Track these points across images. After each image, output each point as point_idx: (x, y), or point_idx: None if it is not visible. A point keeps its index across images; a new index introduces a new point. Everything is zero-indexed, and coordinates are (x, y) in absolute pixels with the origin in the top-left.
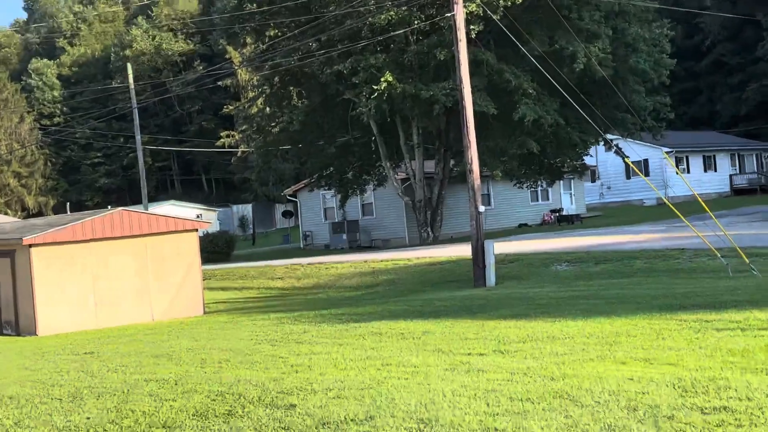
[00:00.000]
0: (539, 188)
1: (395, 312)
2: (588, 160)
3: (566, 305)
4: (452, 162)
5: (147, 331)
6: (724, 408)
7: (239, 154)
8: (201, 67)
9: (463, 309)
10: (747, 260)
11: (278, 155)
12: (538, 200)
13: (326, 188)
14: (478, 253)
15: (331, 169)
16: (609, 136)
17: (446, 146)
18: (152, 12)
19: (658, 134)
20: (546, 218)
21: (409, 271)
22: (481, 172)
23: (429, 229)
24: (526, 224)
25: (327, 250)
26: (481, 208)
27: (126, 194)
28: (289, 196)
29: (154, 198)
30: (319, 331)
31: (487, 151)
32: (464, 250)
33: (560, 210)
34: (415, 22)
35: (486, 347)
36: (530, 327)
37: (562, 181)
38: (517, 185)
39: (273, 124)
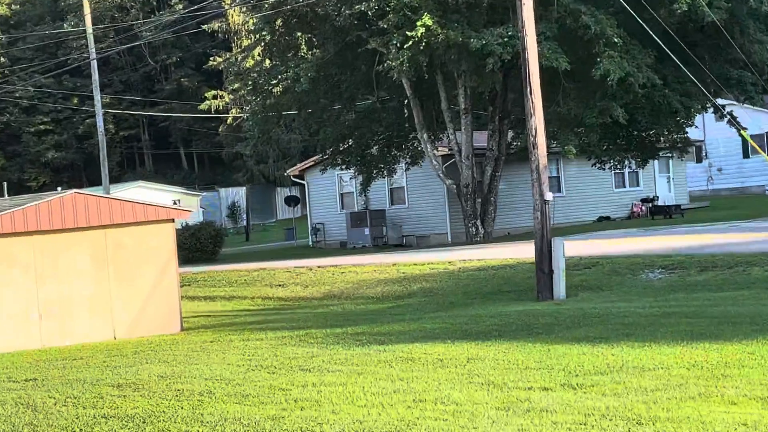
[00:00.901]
0: (626, 170)
1: (432, 331)
2: (692, 134)
3: (660, 325)
4: (510, 134)
5: (107, 353)
6: None
7: (229, 121)
8: (180, 6)
9: (522, 329)
10: None
11: (281, 123)
12: (624, 186)
13: (343, 167)
14: (544, 254)
15: (350, 142)
16: (720, 102)
17: (502, 113)
18: None
19: None
20: (635, 210)
21: (451, 278)
22: (548, 147)
23: (478, 223)
24: (607, 218)
25: (343, 249)
26: (549, 196)
27: (81, 172)
28: (295, 177)
29: (118, 178)
30: (332, 355)
31: (558, 120)
32: (524, 251)
33: (654, 199)
34: None
35: (552, 380)
36: (611, 354)
37: (657, 161)
38: (597, 166)
39: (274, 81)
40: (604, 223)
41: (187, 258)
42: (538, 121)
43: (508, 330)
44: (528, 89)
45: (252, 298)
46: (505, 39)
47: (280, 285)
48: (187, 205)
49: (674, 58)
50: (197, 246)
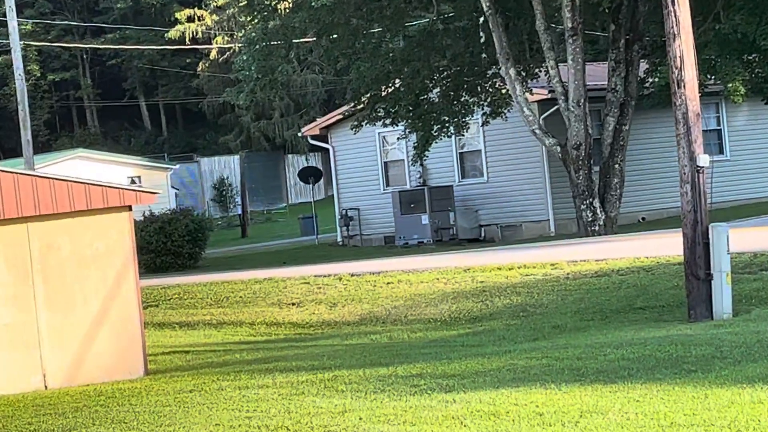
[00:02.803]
0: None
1: (526, 371)
2: None
3: None
4: (644, 67)
5: (34, 412)
6: None
7: (213, 55)
8: None
9: (666, 364)
10: None
11: (291, 57)
12: None
13: (388, 122)
14: (697, 251)
15: (398, 83)
16: None
17: (631, 34)
18: None
19: None
20: None
21: (555, 289)
22: (703, 86)
23: (596, 204)
24: None
25: (390, 246)
26: (704, 160)
27: None
28: (314, 139)
29: (46, 145)
30: (373, 409)
31: (717, 44)
32: (668, 246)
33: None
34: None
35: None
36: None
37: None
38: None
39: None
40: None
41: (153, 264)
42: (685, 45)
43: (644, 367)
44: None
45: (251, 323)
46: None
47: (293, 304)
48: (153, 184)
49: None
50: (168, 247)
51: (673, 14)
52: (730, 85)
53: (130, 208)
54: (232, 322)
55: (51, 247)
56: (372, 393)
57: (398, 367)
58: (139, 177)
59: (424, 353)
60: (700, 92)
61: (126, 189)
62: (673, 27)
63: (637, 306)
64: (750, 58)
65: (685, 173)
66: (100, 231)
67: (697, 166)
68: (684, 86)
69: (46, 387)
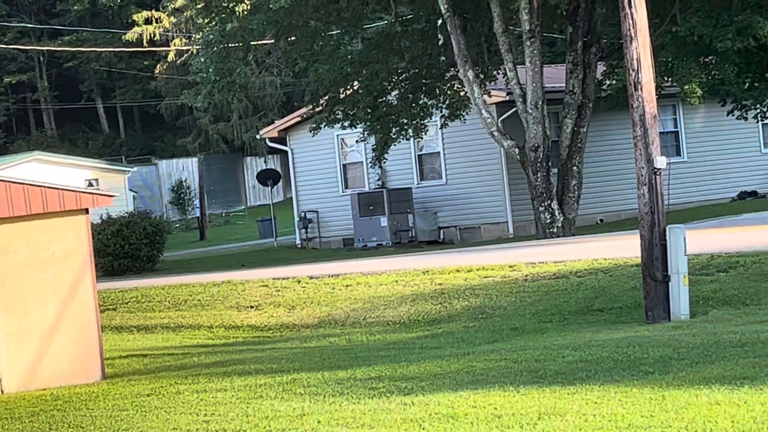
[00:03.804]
0: None
1: (485, 373)
2: None
3: None
4: (601, 69)
5: None
6: None
7: (171, 57)
8: None
9: (624, 366)
10: None
11: (249, 59)
12: None
13: (347, 124)
14: (655, 252)
15: (356, 85)
16: None
17: (588, 36)
18: None
19: None
20: None
21: (513, 290)
22: (660, 87)
23: (554, 206)
24: (753, 193)
25: (349, 249)
26: (661, 162)
27: None
28: (272, 141)
29: (2, 148)
30: (332, 412)
31: (674, 46)
32: (626, 248)
33: None
34: None
35: None
36: (759, 403)
37: None
38: (736, 114)
39: None
40: (748, 202)
41: (110, 268)
42: (642, 47)
43: (602, 368)
44: None
45: (210, 327)
46: None
47: (252, 307)
48: (110, 186)
49: None
50: (125, 250)
51: (629, 17)
52: (686, 86)
53: (87, 211)
54: (190, 326)
55: (7, 251)
56: (330, 396)
57: (357, 370)
58: (96, 180)
59: (383, 356)
60: (657, 94)
61: (82, 192)
62: (629, 29)
63: (595, 308)
64: (707, 60)
65: (642, 175)
66: (56, 234)
67: (654, 168)
68: (641, 88)
69: (2, 391)
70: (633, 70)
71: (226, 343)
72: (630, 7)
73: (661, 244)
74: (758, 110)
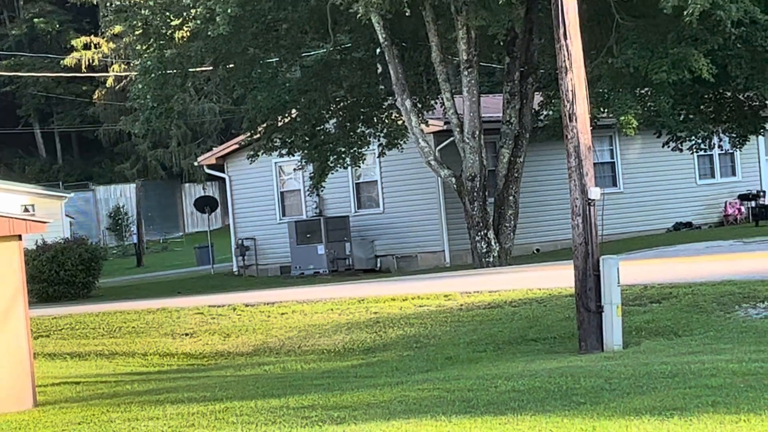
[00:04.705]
0: (716, 151)
1: (418, 403)
2: None
3: (764, 389)
4: (538, 99)
5: None
6: None
7: (109, 83)
8: None
9: (556, 396)
10: None
11: (187, 86)
12: (713, 176)
13: (284, 152)
14: (588, 283)
15: (294, 113)
16: None
17: (525, 67)
18: None
19: None
20: (730, 211)
21: (448, 320)
22: (597, 118)
23: (491, 236)
24: (688, 224)
25: (286, 277)
26: (595, 193)
27: None
28: (210, 168)
29: None
30: None
31: (610, 77)
32: (561, 278)
33: (759, 195)
34: None
35: None
36: None
37: (762, 138)
38: (671, 145)
39: (176, 21)
40: (683, 233)
41: (45, 294)
42: (577, 79)
43: (534, 398)
44: (561, 30)
45: (144, 354)
46: None
47: (187, 334)
48: (47, 212)
49: None
50: (61, 276)
51: (565, 48)
52: (622, 118)
53: (19, 237)
54: (124, 353)
55: None
56: (263, 425)
57: (290, 399)
58: (32, 205)
59: (317, 384)
60: (593, 125)
61: (15, 218)
62: (565, 61)
63: (529, 337)
64: (642, 91)
65: (576, 206)
66: None
67: (589, 199)
68: (576, 120)
69: None
70: (568, 102)
71: (160, 370)
72: (565, 39)
73: (595, 275)
74: (693, 142)
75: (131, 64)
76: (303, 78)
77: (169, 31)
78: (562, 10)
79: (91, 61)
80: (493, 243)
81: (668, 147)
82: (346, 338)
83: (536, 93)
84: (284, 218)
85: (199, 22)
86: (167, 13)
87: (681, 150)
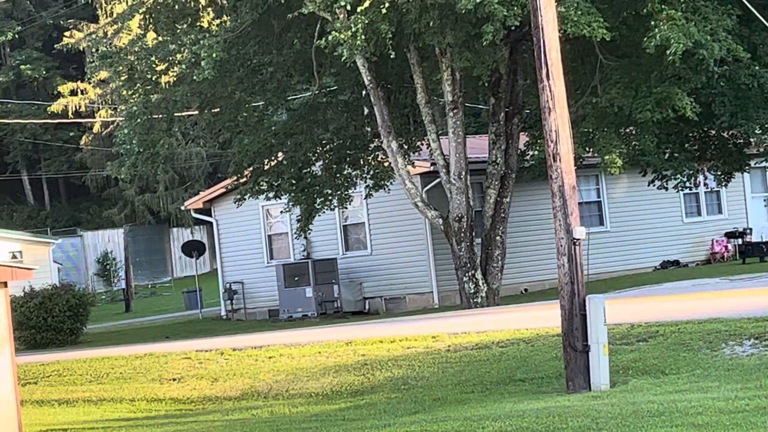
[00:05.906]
0: (701, 190)
1: None
2: None
3: (751, 426)
4: (524, 139)
5: None
6: None
7: (96, 128)
8: None
9: None
10: None
11: (174, 130)
12: (699, 214)
13: (271, 196)
14: (575, 322)
15: (281, 156)
16: None
17: (510, 107)
18: None
19: None
20: (717, 249)
21: (436, 361)
22: (582, 157)
23: (478, 276)
24: (675, 262)
25: (274, 320)
26: (580, 232)
27: None
28: (197, 212)
29: None
30: None
31: (595, 117)
32: (548, 318)
33: (745, 233)
34: None
35: None
36: None
37: (747, 175)
38: (656, 184)
39: (162, 66)
40: (670, 271)
41: (32, 341)
42: (560, 119)
43: None
44: (544, 70)
45: (132, 400)
46: None
47: (175, 379)
48: (35, 258)
49: (765, 21)
50: (48, 323)
51: (548, 88)
52: (607, 157)
53: (5, 284)
54: (112, 399)
55: None
56: None
57: None
58: (20, 252)
59: (305, 428)
60: (578, 165)
61: (3, 265)
62: (548, 101)
63: (517, 378)
64: (627, 130)
65: (561, 245)
66: None
67: (574, 239)
68: (560, 159)
69: None
70: (552, 142)
71: (147, 416)
72: (548, 79)
73: (581, 314)
74: (678, 180)
75: (118, 109)
76: (289, 121)
77: (155, 76)
78: (544, 51)
79: (78, 106)
80: (480, 283)
81: (654, 185)
82: (334, 381)
83: (522, 133)
84: (272, 261)
85: (184, 66)
86: (152, 58)
87: (666, 188)
